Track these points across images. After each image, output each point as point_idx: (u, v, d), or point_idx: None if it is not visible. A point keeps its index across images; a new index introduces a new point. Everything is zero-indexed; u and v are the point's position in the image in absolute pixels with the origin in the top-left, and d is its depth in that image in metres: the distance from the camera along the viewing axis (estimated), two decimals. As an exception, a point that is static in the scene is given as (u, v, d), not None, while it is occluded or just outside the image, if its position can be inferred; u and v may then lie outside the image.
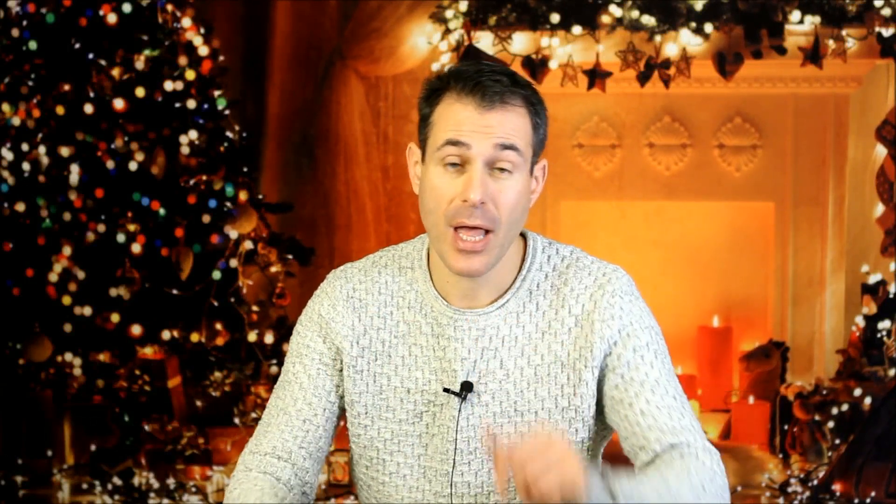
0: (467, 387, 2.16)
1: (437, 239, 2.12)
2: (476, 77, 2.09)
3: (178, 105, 5.21)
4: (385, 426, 2.21)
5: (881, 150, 5.46)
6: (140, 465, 5.26)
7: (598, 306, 2.16)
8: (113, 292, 5.21)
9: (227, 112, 5.32)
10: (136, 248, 5.16)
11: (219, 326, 5.27)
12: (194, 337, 5.26)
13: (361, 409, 2.22)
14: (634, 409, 2.13)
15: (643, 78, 5.29)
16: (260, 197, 5.35)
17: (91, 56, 5.21)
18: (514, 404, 2.17)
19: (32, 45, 5.20)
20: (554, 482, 1.84)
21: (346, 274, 2.27)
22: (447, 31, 5.36)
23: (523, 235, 2.23)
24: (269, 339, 5.27)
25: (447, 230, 2.09)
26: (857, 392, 5.25)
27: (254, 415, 5.24)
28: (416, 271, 2.23)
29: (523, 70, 5.26)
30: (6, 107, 5.22)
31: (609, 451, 2.28)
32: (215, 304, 5.27)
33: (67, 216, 5.20)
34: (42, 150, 5.20)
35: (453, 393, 2.16)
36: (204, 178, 5.23)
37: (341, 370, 2.24)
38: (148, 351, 5.28)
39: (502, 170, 2.09)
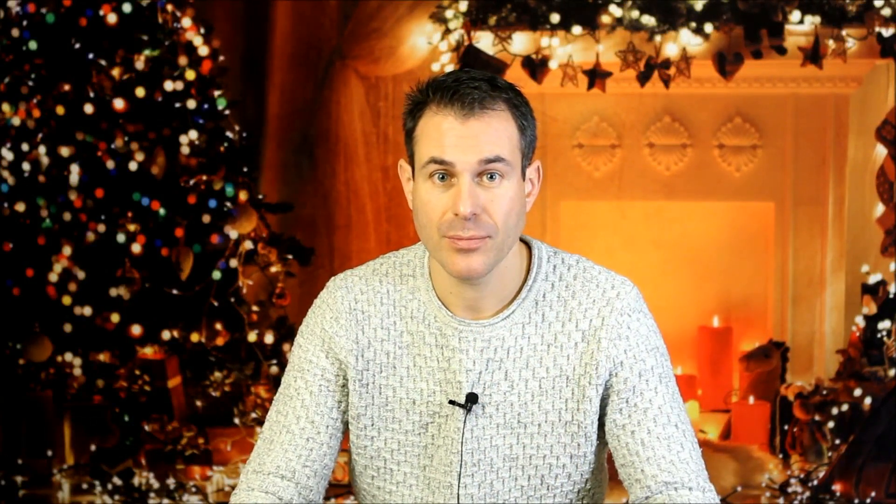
0: (472, 398, 2.15)
1: (435, 249, 2.11)
2: (454, 86, 2.07)
3: (178, 105, 5.21)
4: (391, 437, 2.21)
5: (881, 150, 5.46)
6: (140, 465, 5.26)
7: (606, 323, 2.15)
8: (113, 292, 5.20)
9: (227, 112, 5.31)
10: (136, 248, 5.16)
11: (219, 326, 5.27)
12: (194, 337, 5.26)
13: (368, 422, 2.21)
14: (636, 437, 2.13)
15: (643, 78, 5.28)
16: (260, 197, 5.35)
17: (91, 56, 5.20)
18: (517, 416, 2.16)
19: (32, 45, 5.19)
20: None
21: (347, 283, 2.25)
22: (447, 31, 5.35)
23: (527, 244, 2.22)
24: (269, 339, 5.27)
25: (442, 240, 2.09)
26: (857, 392, 5.25)
27: (254, 415, 5.24)
28: (418, 280, 2.22)
29: (523, 70, 5.26)
30: (6, 107, 5.21)
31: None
32: (215, 304, 5.26)
33: (67, 216, 5.20)
34: (42, 150, 5.19)
35: (458, 405, 2.15)
36: (204, 178, 5.22)
37: (344, 385, 2.22)
38: (148, 351, 5.28)
39: (492, 177, 2.08)
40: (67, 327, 5.21)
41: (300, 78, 5.63)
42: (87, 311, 5.19)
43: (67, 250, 5.16)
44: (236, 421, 5.27)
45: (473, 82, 2.07)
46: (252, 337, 5.26)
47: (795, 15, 5.21)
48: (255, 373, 5.28)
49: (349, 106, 5.60)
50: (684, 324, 5.67)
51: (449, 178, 2.07)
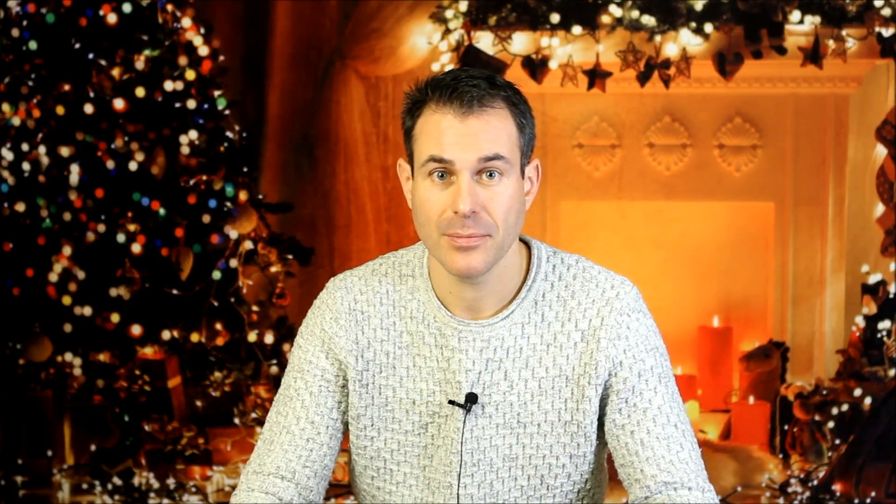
0: (472, 398, 2.15)
1: (434, 248, 2.11)
2: (453, 84, 2.07)
3: (178, 105, 5.21)
4: (391, 437, 2.21)
5: (881, 150, 5.46)
6: (140, 465, 5.26)
7: (605, 323, 2.14)
8: (113, 292, 5.20)
9: (227, 112, 5.31)
10: (136, 248, 5.15)
11: (219, 326, 5.27)
12: (194, 337, 5.25)
13: (367, 422, 2.21)
14: (635, 437, 2.13)
15: (643, 78, 5.28)
16: (260, 197, 5.35)
17: (91, 56, 5.20)
18: (517, 416, 2.16)
19: (32, 45, 5.19)
20: None
21: (347, 284, 2.25)
22: (447, 31, 5.35)
23: (527, 244, 2.22)
24: (269, 339, 5.27)
25: (441, 238, 2.09)
26: (857, 392, 5.25)
27: (254, 415, 5.24)
28: (418, 280, 2.22)
29: (523, 70, 5.26)
30: (6, 107, 5.21)
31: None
32: (215, 304, 5.26)
33: (67, 216, 5.20)
34: (42, 150, 5.19)
35: (458, 405, 2.15)
36: (204, 178, 5.22)
37: (344, 386, 2.22)
38: (148, 351, 5.28)
39: (491, 175, 2.08)
40: (67, 327, 5.21)
41: (300, 78, 5.63)
42: (87, 311, 5.19)
43: (67, 250, 5.16)
44: (236, 421, 5.27)
45: (472, 80, 2.08)
46: (252, 337, 5.26)
47: (795, 15, 5.21)
48: (255, 373, 5.28)
49: (349, 106, 5.60)
50: (684, 324, 5.67)
51: (448, 177, 2.07)
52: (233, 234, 5.22)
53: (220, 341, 5.27)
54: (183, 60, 5.22)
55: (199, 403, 5.33)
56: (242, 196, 5.22)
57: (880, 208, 5.45)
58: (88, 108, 5.16)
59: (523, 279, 2.18)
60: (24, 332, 5.20)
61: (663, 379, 2.15)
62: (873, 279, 5.37)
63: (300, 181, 5.64)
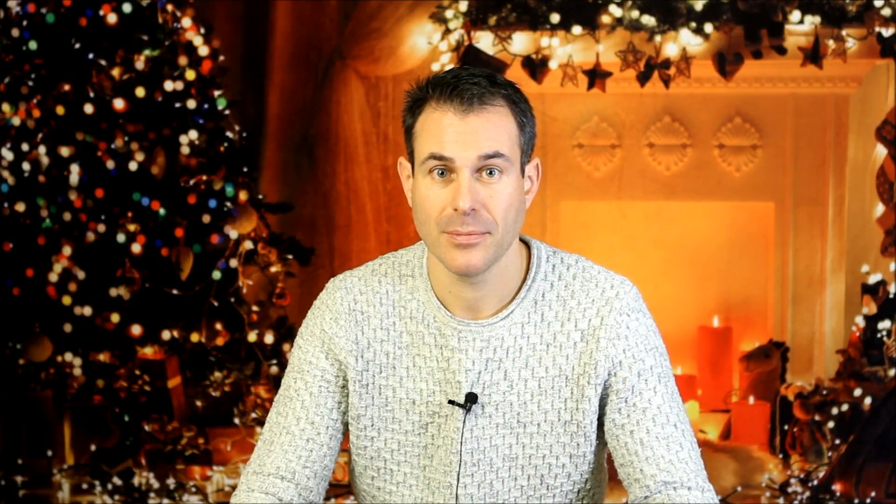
0: (472, 398, 2.15)
1: (434, 245, 2.12)
2: (454, 82, 2.07)
3: (178, 105, 5.21)
4: (391, 437, 2.21)
5: (881, 150, 5.46)
6: (140, 465, 5.26)
7: (605, 323, 2.15)
8: (113, 292, 5.20)
9: (227, 112, 5.31)
10: (136, 248, 5.16)
11: (219, 326, 5.27)
12: (194, 337, 5.25)
13: (367, 422, 2.21)
14: (634, 437, 2.13)
15: (643, 78, 5.28)
16: (260, 197, 5.35)
17: (91, 56, 5.20)
18: (517, 416, 2.16)
19: (32, 45, 5.19)
20: None
21: (346, 284, 2.25)
22: (447, 31, 5.35)
23: (526, 244, 2.22)
24: (269, 339, 5.26)
25: (441, 235, 2.09)
26: (857, 392, 5.25)
27: (254, 415, 5.24)
28: (417, 280, 2.22)
29: (523, 70, 5.27)
30: (6, 107, 5.21)
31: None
32: (215, 304, 5.26)
33: (67, 216, 5.20)
34: (42, 150, 5.19)
35: (458, 405, 2.15)
36: (204, 178, 5.23)
37: (344, 386, 2.22)
38: (148, 351, 5.28)
39: (491, 173, 2.08)
40: (67, 327, 5.21)
41: (300, 78, 5.63)
42: (87, 311, 5.19)
43: (67, 250, 5.16)
44: (236, 421, 5.27)
45: (473, 78, 2.08)
46: (252, 337, 5.26)
47: (795, 15, 5.21)
48: (255, 373, 5.28)
49: (349, 106, 5.60)
50: (684, 324, 5.66)
51: (448, 174, 2.07)
52: (233, 234, 5.22)
53: (220, 341, 5.27)
54: (183, 60, 5.22)
55: (199, 403, 5.33)
56: (242, 196, 5.22)
57: (880, 208, 5.45)
58: (88, 108, 5.16)
59: (523, 279, 2.19)
60: (24, 332, 5.20)
61: (663, 379, 2.15)
62: (873, 279, 5.37)
63: (300, 181, 5.64)
